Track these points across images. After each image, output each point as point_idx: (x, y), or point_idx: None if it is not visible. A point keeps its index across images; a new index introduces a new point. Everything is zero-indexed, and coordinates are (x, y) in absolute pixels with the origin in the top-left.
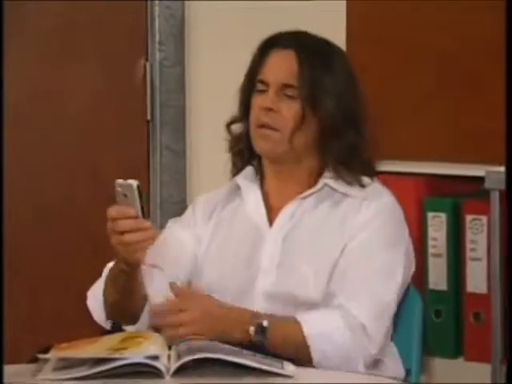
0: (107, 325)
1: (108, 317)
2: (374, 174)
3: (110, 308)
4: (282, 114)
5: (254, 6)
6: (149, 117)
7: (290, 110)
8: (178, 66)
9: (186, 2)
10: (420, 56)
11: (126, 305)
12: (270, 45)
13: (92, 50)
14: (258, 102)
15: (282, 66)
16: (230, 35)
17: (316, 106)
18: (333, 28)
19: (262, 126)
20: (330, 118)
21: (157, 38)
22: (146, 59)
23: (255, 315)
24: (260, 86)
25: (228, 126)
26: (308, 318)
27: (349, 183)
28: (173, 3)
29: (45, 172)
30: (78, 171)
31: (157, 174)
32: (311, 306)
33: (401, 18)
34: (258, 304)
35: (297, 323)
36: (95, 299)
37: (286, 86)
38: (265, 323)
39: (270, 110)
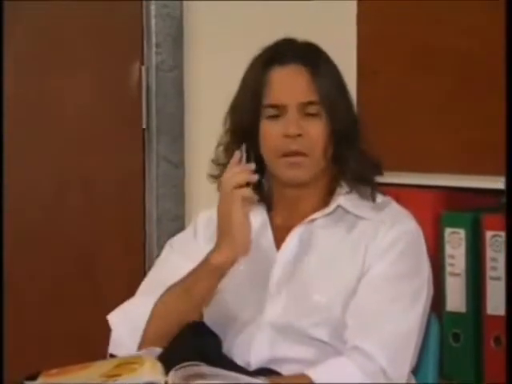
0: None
1: (144, 347)
2: (381, 171)
3: (157, 335)
4: (310, 136)
5: (258, 5)
6: (144, 125)
7: (316, 130)
8: (176, 69)
9: (185, 1)
10: (436, 59)
11: (185, 322)
12: (269, 62)
13: (83, 52)
14: (276, 129)
15: (295, 84)
16: (233, 37)
17: (334, 120)
18: (342, 30)
19: (289, 154)
20: (345, 129)
21: (153, 40)
22: (142, 62)
23: None
24: (271, 111)
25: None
26: (322, 374)
27: (362, 197)
28: (170, 2)
29: (32, 184)
30: (68, 183)
31: (153, 187)
32: (321, 341)
33: (415, 19)
34: (266, 333)
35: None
36: (129, 323)
37: (307, 104)
38: None
39: (298, 135)
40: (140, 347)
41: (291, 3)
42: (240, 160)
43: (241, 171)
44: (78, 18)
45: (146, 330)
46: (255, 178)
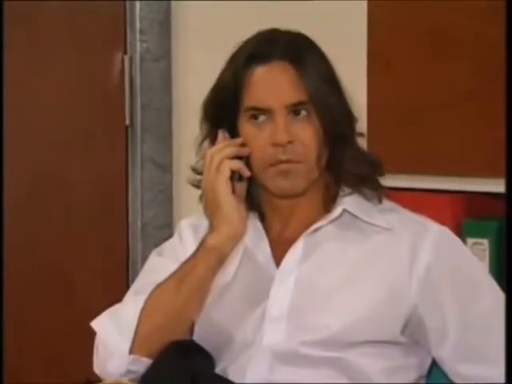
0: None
1: (136, 350)
2: (382, 171)
3: (150, 335)
4: (301, 142)
5: None
6: (128, 122)
7: (308, 134)
8: (163, 59)
9: None
10: (454, 47)
11: (181, 321)
12: (250, 59)
13: (60, 39)
14: (262, 137)
15: (280, 84)
16: (226, 23)
17: (326, 119)
18: (352, 16)
19: (279, 163)
20: (339, 128)
21: (137, 26)
22: (125, 52)
23: None
24: (255, 115)
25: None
26: None
27: (368, 200)
28: None
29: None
30: (42, 185)
31: (137, 191)
32: (327, 366)
33: (430, 4)
34: (265, 358)
35: None
36: (118, 324)
37: (295, 104)
38: None
39: (289, 142)
40: (132, 350)
41: None
42: (224, 138)
43: (228, 144)
44: (55, 3)
45: (136, 331)
46: (247, 150)
